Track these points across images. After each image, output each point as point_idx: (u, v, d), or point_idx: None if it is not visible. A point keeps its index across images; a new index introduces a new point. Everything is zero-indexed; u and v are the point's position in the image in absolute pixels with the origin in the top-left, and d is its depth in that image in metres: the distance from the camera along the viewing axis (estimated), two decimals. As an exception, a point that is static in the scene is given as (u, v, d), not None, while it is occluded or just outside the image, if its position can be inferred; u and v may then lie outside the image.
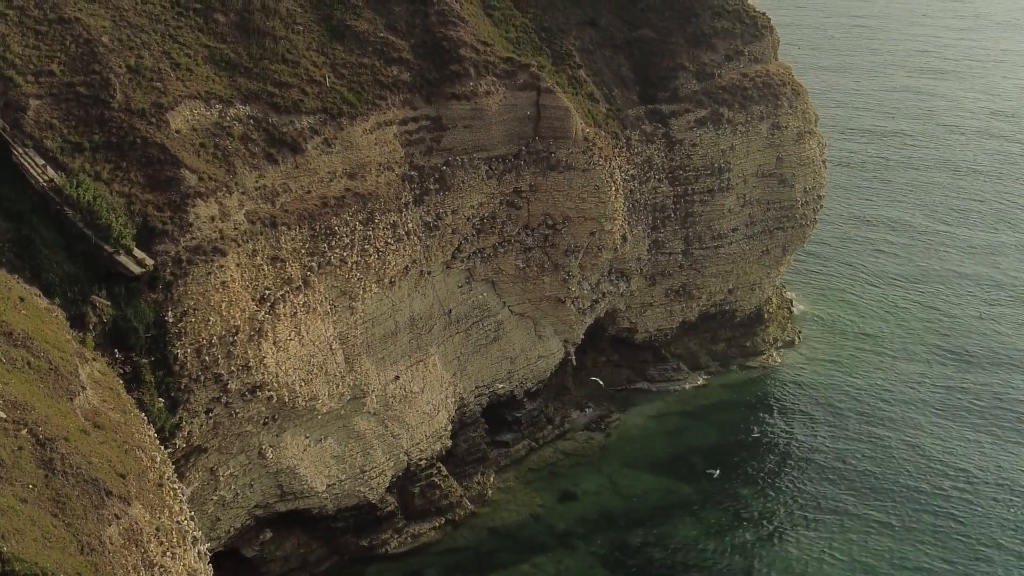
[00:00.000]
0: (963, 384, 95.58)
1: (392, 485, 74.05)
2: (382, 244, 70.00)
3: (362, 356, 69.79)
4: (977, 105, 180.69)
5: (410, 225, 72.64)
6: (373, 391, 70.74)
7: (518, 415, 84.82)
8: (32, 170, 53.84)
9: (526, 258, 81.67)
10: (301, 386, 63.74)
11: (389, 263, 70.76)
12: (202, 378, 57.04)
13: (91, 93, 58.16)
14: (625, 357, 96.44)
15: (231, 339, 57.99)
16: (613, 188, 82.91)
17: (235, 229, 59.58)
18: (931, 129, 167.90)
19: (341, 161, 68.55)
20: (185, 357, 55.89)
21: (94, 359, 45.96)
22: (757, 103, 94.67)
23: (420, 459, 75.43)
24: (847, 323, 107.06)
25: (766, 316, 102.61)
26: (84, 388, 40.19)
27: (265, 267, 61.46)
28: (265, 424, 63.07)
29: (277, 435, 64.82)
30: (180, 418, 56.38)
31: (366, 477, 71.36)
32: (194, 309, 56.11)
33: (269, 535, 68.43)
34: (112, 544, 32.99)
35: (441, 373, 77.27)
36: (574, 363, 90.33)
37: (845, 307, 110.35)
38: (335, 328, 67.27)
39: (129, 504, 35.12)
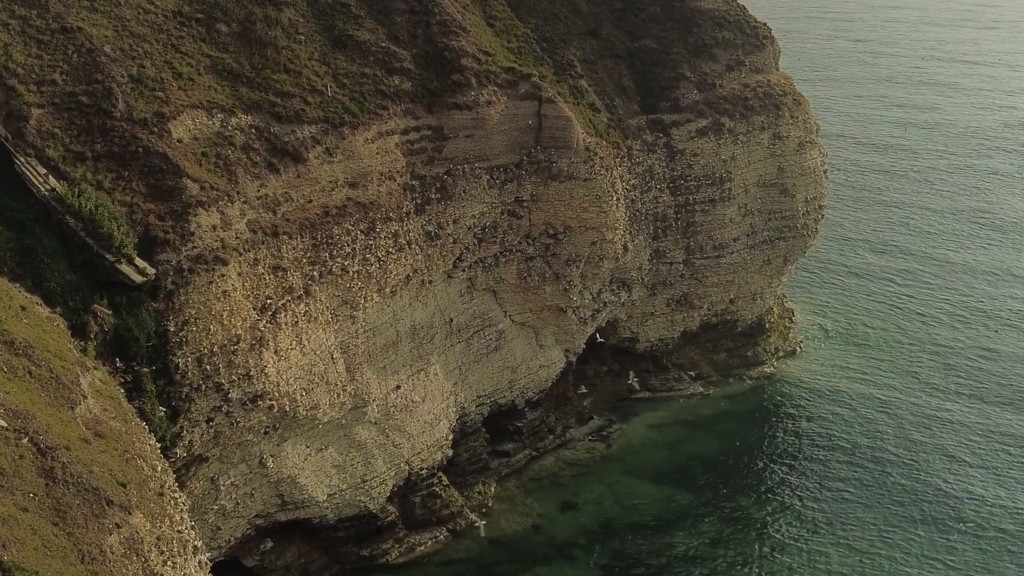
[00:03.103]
0: (966, 396, 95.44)
1: (393, 495, 73.94)
2: (383, 253, 70.05)
3: (363, 365, 69.77)
4: (992, 119, 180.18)
5: (411, 234, 72.70)
6: (374, 400, 70.70)
7: (519, 424, 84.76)
8: (34, 179, 53.91)
9: (527, 267, 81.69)
10: (302, 395, 63.70)
11: (390, 272, 70.80)
12: (203, 387, 57.00)
13: (93, 102, 58.24)
14: (626, 367, 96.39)
15: (232, 348, 57.98)
16: (614, 198, 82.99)
17: (236, 238, 59.64)
18: (944, 143, 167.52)
19: (343, 170, 68.65)
20: (186, 366, 55.86)
21: (95, 368, 45.93)
22: (758, 113, 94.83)
23: (421, 468, 75.35)
24: (849, 334, 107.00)
25: (767, 326, 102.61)
26: (85, 397, 40.17)
27: (266, 276, 61.50)
28: (266, 433, 63.01)
29: (278, 444, 64.77)
30: (181, 427, 56.34)
31: (367, 486, 71.27)
32: (195, 318, 56.11)
33: (270, 545, 68.35)
34: (113, 553, 32.94)
35: (442, 382, 77.24)
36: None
37: (847, 318, 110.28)
38: (336, 337, 67.27)
39: (130, 513, 35.07)
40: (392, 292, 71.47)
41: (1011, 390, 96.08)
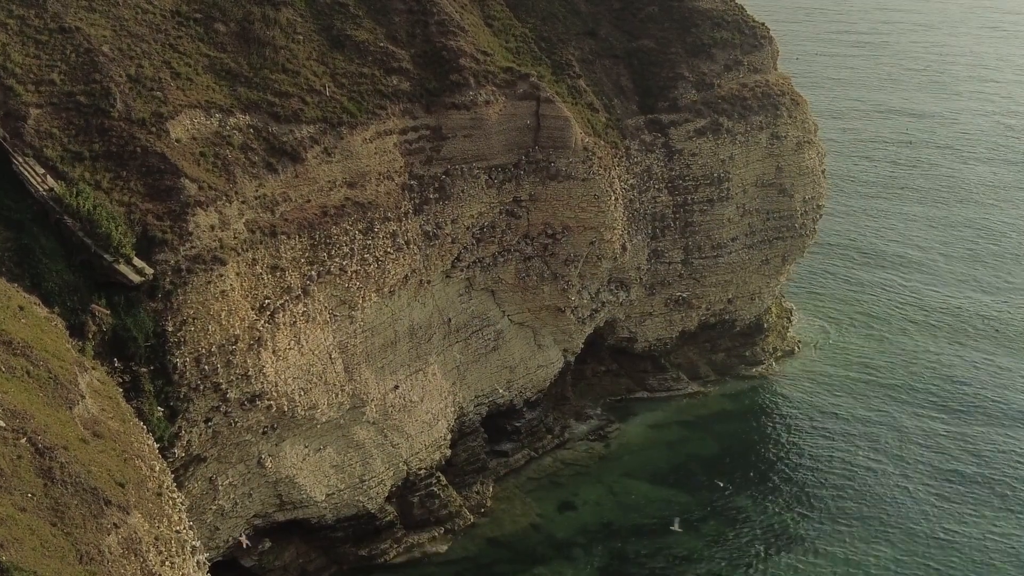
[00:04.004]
0: (962, 399, 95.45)
1: (391, 495, 73.93)
2: (382, 253, 70.02)
3: (361, 365, 69.74)
4: (992, 123, 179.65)
5: (410, 234, 72.67)
6: (372, 400, 70.67)
7: (517, 424, 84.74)
8: (32, 179, 53.84)
9: (526, 267, 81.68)
10: (300, 395, 63.66)
11: (389, 272, 70.77)
12: (201, 387, 56.96)
13: (91, 102, 58.16)
14: (624, 367, 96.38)
15: (230, 348, 57.93)
16: (612, 197, 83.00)
17: (235, 238, 59.57)
18: (946, 147, 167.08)
19: (341, 170, 68.60)
20: (184, 366, 55.81)
21: (93, 368, 45.90)
22: (756, 113, 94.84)
23: (419, 468, 75.33)
24: (848, 334, 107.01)
25: (766, 326, 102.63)
26: (83, 397, 40.12)
27: (265, 276, 61.45)
28: (264, 433, 62.98)
29: (276, 444, 64.73)
30: (179, 427, 56.30)
31: (365, 486, 71.26)
32: (193, 318, 56.05)
33: (268, 545, 68.31)
34: (111, 553, 32.90)
35: (440, 382, 77.20)
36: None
37: (846, 319, 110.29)
38: (334, 337, 67.23)
39: (128, 513, 35.03)
40: (390, 292, 71.45)
41: (1008, 401, 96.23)
